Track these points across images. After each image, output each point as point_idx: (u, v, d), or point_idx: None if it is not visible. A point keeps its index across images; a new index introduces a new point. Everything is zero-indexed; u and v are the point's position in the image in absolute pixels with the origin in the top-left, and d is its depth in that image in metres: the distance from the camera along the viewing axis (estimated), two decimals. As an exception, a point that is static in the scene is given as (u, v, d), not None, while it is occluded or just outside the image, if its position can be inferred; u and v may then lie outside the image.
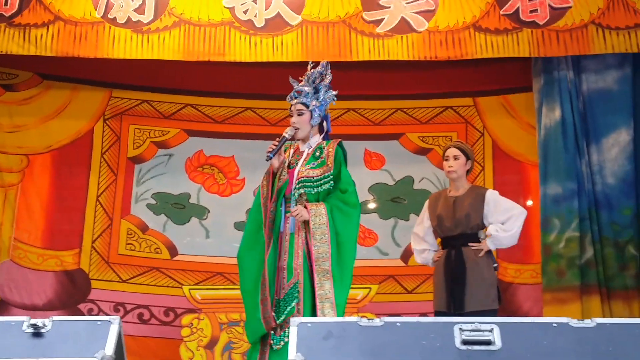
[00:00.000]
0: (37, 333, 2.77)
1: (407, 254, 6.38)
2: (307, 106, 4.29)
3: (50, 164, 6.47)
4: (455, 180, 4.91)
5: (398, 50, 5.64)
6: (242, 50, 5.64)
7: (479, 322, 2.58)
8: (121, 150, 6.59)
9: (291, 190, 4.21)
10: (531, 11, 5.63)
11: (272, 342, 4.04)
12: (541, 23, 5.60)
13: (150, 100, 6.69)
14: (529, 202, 6.30)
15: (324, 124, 4.38)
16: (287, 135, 4.23)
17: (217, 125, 6.62)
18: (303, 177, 4.21)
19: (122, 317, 2.98)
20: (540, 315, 5.76)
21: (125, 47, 5.62)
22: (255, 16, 5.69)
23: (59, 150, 6.49)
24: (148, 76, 6.44)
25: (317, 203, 4.17)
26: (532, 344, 2.53)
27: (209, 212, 6.51)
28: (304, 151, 4.33)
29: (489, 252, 4.78)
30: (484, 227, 4.84)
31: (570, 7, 5.61)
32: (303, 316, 3.93)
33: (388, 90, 6.63)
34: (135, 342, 5.92)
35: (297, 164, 4.28)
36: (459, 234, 4.80)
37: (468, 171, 4.95)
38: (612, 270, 5.73)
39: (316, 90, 4.33)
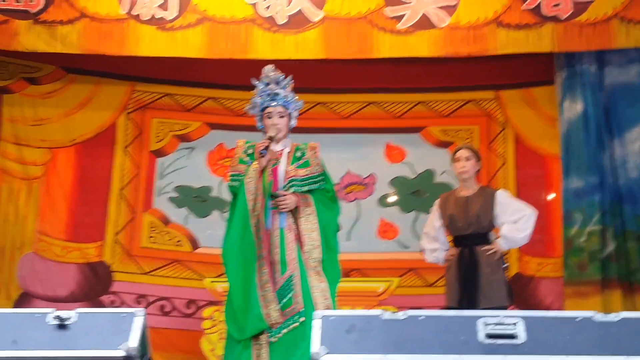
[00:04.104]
0: (62, 325, 2.80)
1: (428, 248, 6.38)
2: (287, 109, 4.49)
3: (73, 157, 6.52)
4: (466, 181, 5.06)
5: (419, 46, 5.64)
6: (264, 47, 5.66)
7: (503, 316, 2.58)
8: (143, 144, 6.63)
9: (277, 188, 4.36)
10: (554, 5, 5.58)
11: (268, 334, 4.13)
12: (563, 17, 5.56)
13: (172, 93, 6.72)
14: (551, 196, 6.29)
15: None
16: (273, 135, 4.41)
17: (238, 118, 6.63)
18: (292, 177, 4.38)
19: (143, 308, 3.00)
20: (561, 309, 5.75)
21: (150, 44, 5.66)
22: (277, 13, 5.70)
23: (83, 144, 6.54)
24: (170, 70, 6.47)
25: (304, 194, 4.38)
26: (556, 338, 2.53)
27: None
28: (279, 151, 4.46)
29: (501, 252, 4.91)
30: (493, 227, 4.97)
31: (592, 0, 5.56)
32: (303, 306, 4.13)
33: (409, 83, 6.62)
34: (157, 334, 5.95)
35: (277, 162, 4.42)
36: (470, 233, 4.94)
37: (477, 172, 5.11)
38: (635, 264, 5.70)
39: (290, 95, 4.52)
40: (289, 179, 4.36)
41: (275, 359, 4.08)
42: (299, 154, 4.47)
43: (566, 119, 5.94)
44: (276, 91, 4.46)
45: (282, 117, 4.46)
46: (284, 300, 4.15)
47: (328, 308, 4.11)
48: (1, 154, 6.35)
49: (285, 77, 4.51)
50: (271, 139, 4.36)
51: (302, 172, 4.41)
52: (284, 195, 4.30)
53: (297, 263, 4.23)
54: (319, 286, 4.21)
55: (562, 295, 5.80)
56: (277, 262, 4.22)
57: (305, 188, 4.38)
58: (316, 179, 4.42)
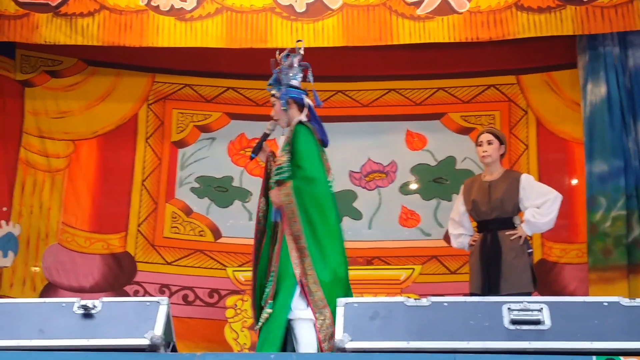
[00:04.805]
0: (87, 314, 2.81)
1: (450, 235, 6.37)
2: (276, 96, 4.32)
3: (96, 149, 6.57)
4: (490, 165, 4.97)
5: (439, 32, 5.60)
6: (284, 36, 5.65)
7: (528, 302, 2.56)
8: (165, 135, 6.66)
9: None
10: (575, -12, 5.53)
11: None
12: (585, 0, 5.50)
13: (192, 84, 6.74)
14: (574, 181, 6.23)
15: (305, 105, 4.33)
16: (267, 131, 4.33)
17: (258, 108, 6.63)
18: (277, 165, 4.26)
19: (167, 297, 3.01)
20: (585, 295, 5.69)
21: (169, 35, 5.68)
22: (296, 1, 5.69)
23: (105, 136, 6.58)
24: (190, 60, 6.48)
25: (286, 182, 4.17)
26: (582, 323, 2.51)
27: (251, 194, 6.53)
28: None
29: (525, 237, 4.81)
30: (519, 211, 4.88)
31: (614, -18, 5.50)
32: (273, 299, 4.01)
33: (429, 69, 6.59)
34: (180, 323, 5.98)
35: None
36: (494, 218, 4.86)
37: (502, 156, 5.01)
38: (661, 249, 5.66)
39: (274, 81, 4.35)
40: (275, 168, 4.27)
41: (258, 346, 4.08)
42: (289, 139, 4.28)
43: (589, 102, 5.87)
44: (270, 81, 4.36)
45: (274, 105, 4.33)
46: (264, 294, 4.12)
47: (319, 310, 3.94)
48: (24, 146, 6.41)
49: (289, 57, 4.30)
50: (267, 135, 4.33)
51: (285, 157, 4.21)
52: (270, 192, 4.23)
53: (279, 255, 4.10)
54: (310, 277, 3.99)
55: (587, 281, 5.76)
56: (272, 255, 4.20)
57: (286, 174, 4.18)
58: (290, 161, 4.19)
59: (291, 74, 4.31)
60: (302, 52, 4.32)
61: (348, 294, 4.04)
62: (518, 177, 4.92)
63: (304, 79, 4.36)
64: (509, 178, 4.92)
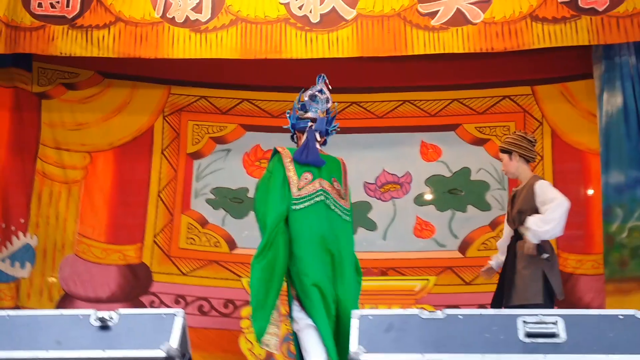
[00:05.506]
0: (104, 326, 2.84)
1: (464, 246, 6.35)
2: None
3: (112, 160, 6.61)
4: (516, 177, 4.93)
5: (453, 42, 5.59)
6: (298, 47, 5.67)
7: (543, 315, 2.56)
8: (181, 146, 6.69)
9: None
10: (590, -2, 5.52)
11: None
12: (600, 9, 5.46)
13: (207, 96, 6.76)
14: (590, 192, 6.20)
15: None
16: None
17: (273, 119, 6.65)
18: None
19: (182, 309, 3.04)
20: (602, 306, 5.66)
21: (184, 46, 5.71)
22: (311, 12, 5.70)
23: (121, 147, 6.62)
24: (205, 72, 6.51)
25: None
26: (598, 336, 2.51)
27: (266, 206, 6.55)
28: None
29: (539, 244, 4.63)
30: None
31: (630, -8, 5.48)
32: None
33: (444, 80, 6.57)
34: (196, 333, 5.98)
35: None
36: (516, 228, 4.79)
37: (526, 160, 4.87)
38: (678, 260, 5.61)
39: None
40: None
41: None
42: None
43: (605, 113, 5.84)
44: None
45: None
46: None
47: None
48: (41, 158, 6.47)
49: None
50: None
51: None
52: None
53: None
54: None
55: (603, 292, 5.72)
56: None
57: None
58: None
59: (301, 107, 4.53)
60: (319, 88, 4.52)
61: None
62: (533, 186, 4.77)
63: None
64: (527, 187, 4.80)
